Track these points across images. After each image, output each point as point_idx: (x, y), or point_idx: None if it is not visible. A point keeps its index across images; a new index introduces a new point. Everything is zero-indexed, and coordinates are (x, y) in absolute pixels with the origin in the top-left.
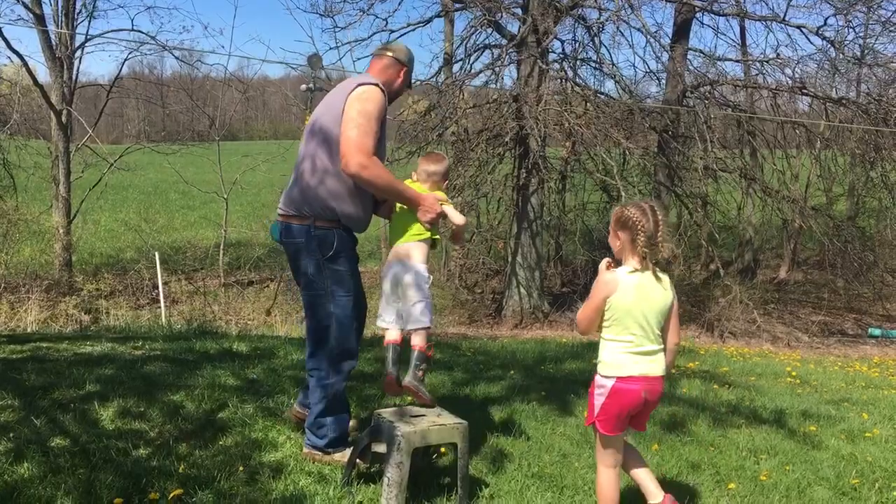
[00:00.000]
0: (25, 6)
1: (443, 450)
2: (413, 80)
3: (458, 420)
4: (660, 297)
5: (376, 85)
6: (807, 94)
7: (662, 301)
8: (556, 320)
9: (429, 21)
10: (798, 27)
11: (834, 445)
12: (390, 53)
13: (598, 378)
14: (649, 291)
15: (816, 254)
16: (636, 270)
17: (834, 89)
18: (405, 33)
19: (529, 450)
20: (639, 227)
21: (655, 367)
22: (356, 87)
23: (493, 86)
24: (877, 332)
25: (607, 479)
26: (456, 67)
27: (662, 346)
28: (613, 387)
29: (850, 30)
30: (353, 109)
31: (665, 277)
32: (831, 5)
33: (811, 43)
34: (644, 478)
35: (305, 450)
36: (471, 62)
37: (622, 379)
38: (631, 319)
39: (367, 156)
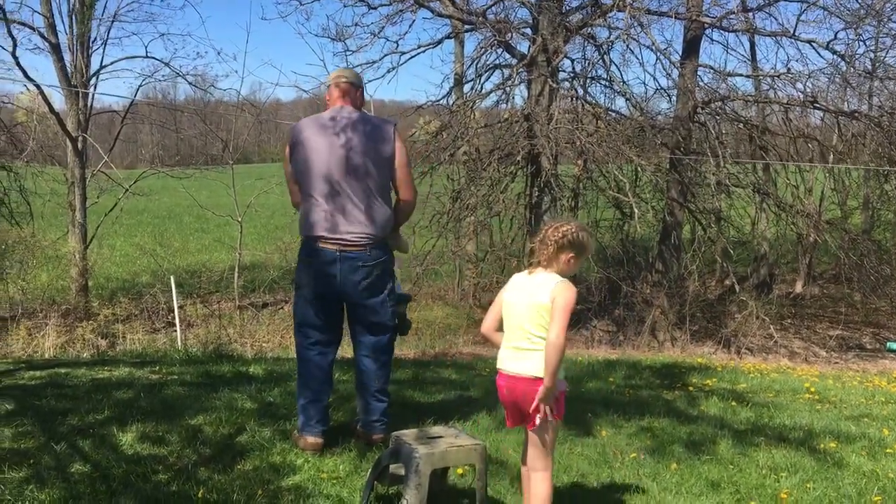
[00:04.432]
0: (41, 35)
1: (461, 471)
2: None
3: (477, 441)
4: (531, 295)
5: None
6: (819, 108)
7: (533, 298)
8: (571, 338)
9: (439, 42)
10: (808, 42)
11: (855, 462)
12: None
13: None
14: (527, 287)
15: (832, 268)
16: (525, 272)
17: (846, 103)
18: (416, 55)
19: None
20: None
21: (516, 365)
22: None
23: (504, 105)
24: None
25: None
26: (466, 88)
27: (537, 348)
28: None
29: (861, 43)
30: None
31: (548, 276)
32: (841, 19)
33: (821, 57)
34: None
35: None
36: (481, 82)
37: (499, 374)
38: (507, 314)
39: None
